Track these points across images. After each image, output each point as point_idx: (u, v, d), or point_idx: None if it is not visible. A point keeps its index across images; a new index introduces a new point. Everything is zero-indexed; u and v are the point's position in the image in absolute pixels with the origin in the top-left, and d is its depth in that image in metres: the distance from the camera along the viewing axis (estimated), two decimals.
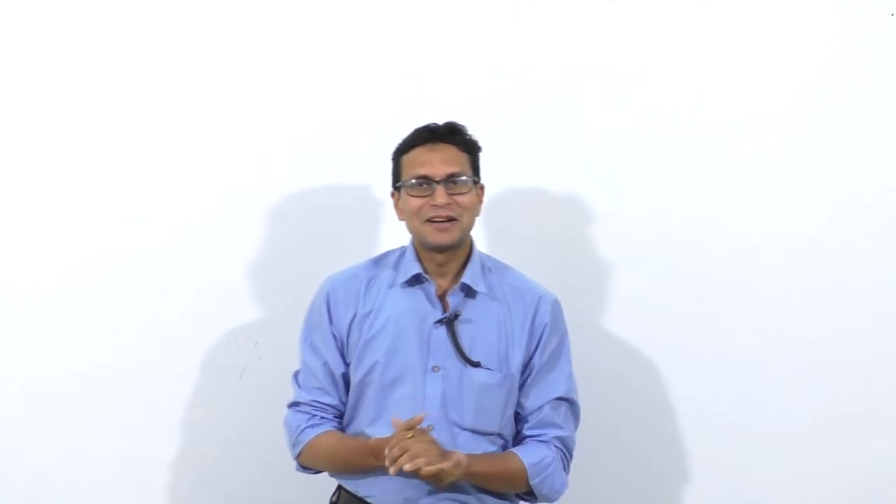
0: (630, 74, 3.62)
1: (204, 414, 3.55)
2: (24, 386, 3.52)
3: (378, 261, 3.12)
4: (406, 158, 3.03)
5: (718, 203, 3.64)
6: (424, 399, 2.99)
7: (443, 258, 3.03)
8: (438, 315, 3.02)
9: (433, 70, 3.60)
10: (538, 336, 3.06)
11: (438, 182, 2.98)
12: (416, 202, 2.99)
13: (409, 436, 2.84)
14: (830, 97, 3.63)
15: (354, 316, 3.05)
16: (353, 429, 3.05)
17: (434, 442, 2.88)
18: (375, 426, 3.00)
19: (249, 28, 3.58)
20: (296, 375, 3.12)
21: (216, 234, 3.57)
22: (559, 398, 3.07)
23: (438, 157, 3.00)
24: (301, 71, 3.58)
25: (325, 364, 3.06)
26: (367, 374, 3.02)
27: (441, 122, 3.06)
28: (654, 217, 3.63)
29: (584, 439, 3.64)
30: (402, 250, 3.11)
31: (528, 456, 3.01)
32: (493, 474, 2.98)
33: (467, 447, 2.98)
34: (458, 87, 3.60)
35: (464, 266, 3.06)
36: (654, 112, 3.62)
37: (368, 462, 2.96)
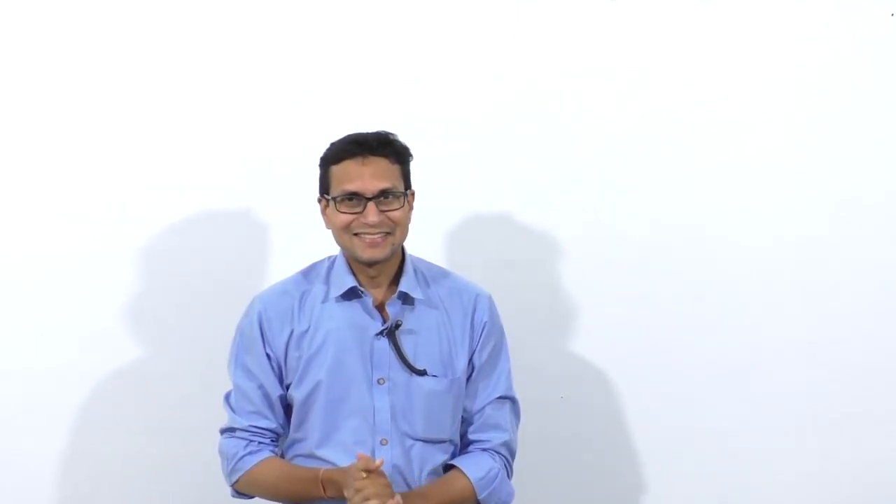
0: (630, 75, 3.62)
1: (204, 414, 3.55)
2: (24, 385, 3.52)
3: (307, 273, 3.04)
4: (335, 170, 2.93)
5: (718, 203, 3.64)
6: (374, 413, 2.93)
7: (375, 270, 2.96)
8: (378, 326, 2.95)
9: (433, 70, 3.59)
10: (479, 335, 3.02)
11: (370, 199, 2.89)
12: (345, 217, 2.91)
13: (364, 476, 2.78)
14: (830, 97, 3.63)
15: (291, 334, 2.96)
16: (298, 451, 2.98)
17: (388, 485, 2.81)
18: (326, 447, 2.94)
19: (250, 29, 3.57)
20: (227, 399, 3.02)
21: (216, 233, 3.57)
22: (501, 397, 3.03)
23: (369, 172, 2.90)
24: (300, 71, 3.58)
25: (261, 387, 2.97)
26: (311, 393, 2.94)
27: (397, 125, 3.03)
28: (654, 217, 3.62)
29: (580, 437, 3.65)
30: (332, 261, 3.03)
31: (474, 470, 2.97)
32: (444, 502, 2.94)
33: (420, 457, 2.95)
34: (457, 88, 3.59)
35: (398, 274, 2.99)
36: (654, 112, 3.62)
37: (317, 493, 2.88)
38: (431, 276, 3.04)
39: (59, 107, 3.53)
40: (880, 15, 3.64)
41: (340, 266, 2.99)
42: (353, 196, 2.90)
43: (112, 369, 3.54)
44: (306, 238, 3.57)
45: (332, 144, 2.98)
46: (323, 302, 2.97)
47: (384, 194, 2.90)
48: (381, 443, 2.92)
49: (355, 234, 2.91)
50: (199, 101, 3.56)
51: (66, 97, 3.53)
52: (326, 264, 3.03)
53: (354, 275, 2.97)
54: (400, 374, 2.94)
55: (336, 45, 3.59)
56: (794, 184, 3.63)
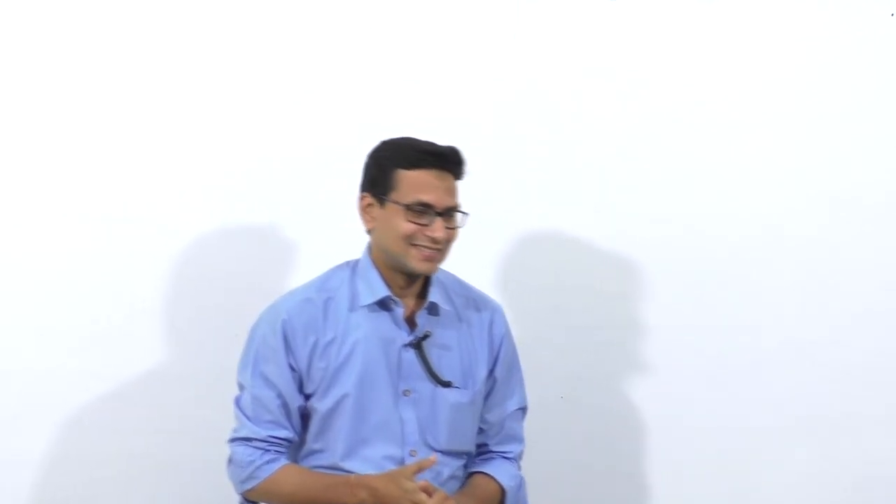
0: (630, 75, 3.62)
1: (204, 414, 3.55)
2: (24, 385, 3.52)
3: (327, 280, 2.97)
4: (408, 175, 2.86)
5: (718, 203, 3.64)
6: (402, 425, 2.90)
7: (407, 281, 2.92)
8: (405, 336, 2.91)
9: (433, 70, 3.59)
10: (497, 348, 3.01)
11: (439, 213, 2.86)
12: (410, 227, 2.85)
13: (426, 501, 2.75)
14: (830, 97, 3.63)
15: (315, 344, 2.90)
16: (317, 462, 2.93)
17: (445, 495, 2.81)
18: (352, 459, 2.90)
19: (251, 30, 3.57)
20: (240, 406, 2.95)
21: (217, 233, 3.57)
22: (518, 408, 3.06)
23: (444, 187, 2.87)
24: (300, 72, 3.58)
25: (280, 396, 2.90)
26: (337, 405, 2.89)
27: (442, 129, 3.01)
28: (654, 216, 3.63)
29: (580, 437, 3.65)
30: (352, 267, 2.97)
31: (506, 479, 2.99)
32: None
33: (446, 469, 2.93)
34: (457, 88, 3.59)
35: (423, 284, 2.96)
36: (654, 112, 3.62)
37: (345, 499, 2.84)
38: (449, 285, 3.02)
39: (61, 108, 3.53)
40: (880, 15, 3.64)
41: (369, 273, 2.92)
42: (425, 207, 2.85)
43: (112, 370, 3.54)
44: (306, 238, 3.58)
45: (399, 145, 2.90)
46: (350, 310, 2.91)
47: (450, 211, 2.88)
48: (410, 454, 2.89)
49: (413, 245, 2.86)
50: (203, 102, 3.56)
51: (68, 98, 3.53)
52: (347, 270, 2.97)
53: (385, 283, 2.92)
54: (425, 385, 2.92)
55: (336, 45, 3.59)
56: (794, 184, 3.63)
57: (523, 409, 3.07)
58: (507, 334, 3.04)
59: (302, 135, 3.57)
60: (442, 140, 3.52)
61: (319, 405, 2.90)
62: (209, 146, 3.57)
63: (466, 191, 3.57)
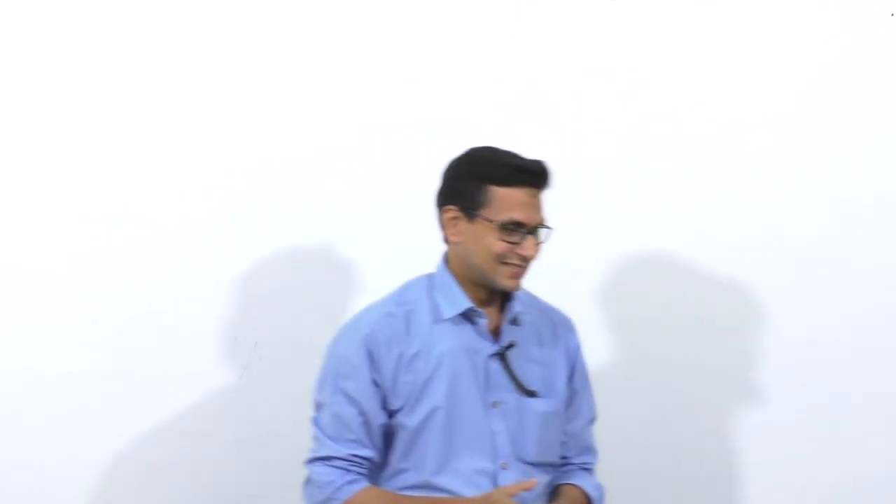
0: (630, 74, 3.63)
1: (204, 414, 3.55)
2: (24, 385, 3.52)
3: (403, 295, 2.90)
4: (501, 193, 2.78)
5: (718, 203, 3.64)
6: (493, 437, 2.84)
7: (491, 293, 2.86)
8: (489, 347, 2.85)
9: (433, 70, 3.60)
10: (573, 358, 2.97)
11: (530, 231, 2.80)
12: (503, 245, 2.78)
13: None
14: (830, 97, 3.63)
15: (400, 357, 2.82)
16: (406, 481, 2.84)
17: None
18: (443, 475, 2.82)
19: (251, 30, 3.57)
20: (319, 425, 2.86)
21: (217, 233, 3.57)
22: (592, 419, 3.04)
23: (535, 204, 2.81)
24: (300, 71, 3.58)
25: (362, 413, 2.82)
26: (426, 420, 2.81)
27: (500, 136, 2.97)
28: (654, 216, 3.63)
29: None
30: (429, 281, 2.90)
31: (592, 488, 2.97)
32: None
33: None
34: (457, 88, 3.60)
35: (503, 296, 2.89)
36: (654, 112, 3.62)
37: None
38: (523, 297, 2.94)
39: (61, 108, 3.53)
40: (880, 15, 3.64)
41: (449, 286, 2.86)
42: (517, 226, 2.79)
43: (112, 370, 3.54)
44: (306, 238, 3.58)
45: (491, 160, 2.84)
46: (434, 323, 2.84)
47: (539, 228, 2.83)
48: (502, 467, 2.84)
49: (503, 263, 2.80)
50: (202, 102, 3.56)
51: (69, 98, 3.53)
52: (425, 283, 2.90)
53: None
54: (512, 396, 2.85)
55: (335, 45, 3.59)
56: (795, 184, 3.63)
57: (594, 420, 3.04)
58: (580, 345, 3.00)
59: (302, 135, 3.57)
60: (441, 140, 3.53)
61: (408, 420, 2.82)
62: (209, 146, 3.57)
63: None
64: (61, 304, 3.53)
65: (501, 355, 2.86)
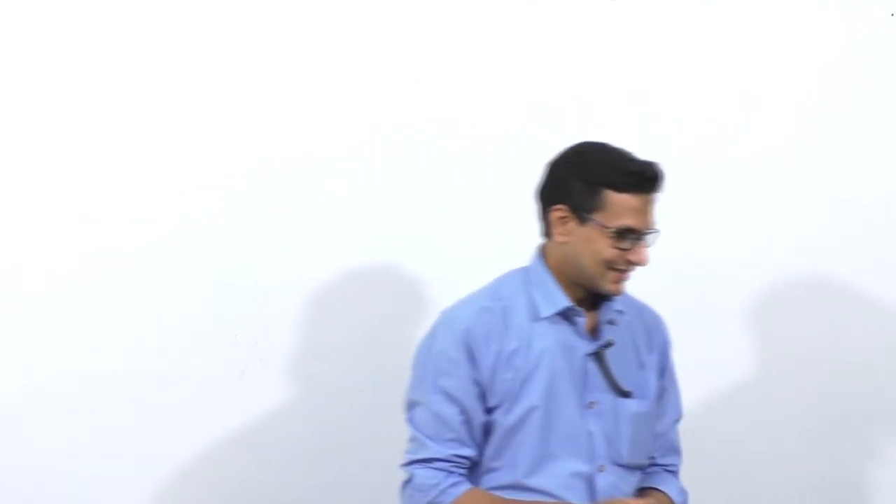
0: (630, 74, 3.62)
1: (204, 414, 3.55)
2: (24, 385, 3.52)
3: (499, 289, 2.82)
4: (616, 198, 2.71)
5: (718, 203, 3.64)
6: (590, 438, 2.77)
7: (588, 291, 2.79)
8: (586, 346, 2.78)
9: (433, 70, 3.59)
10: (663, 357, 2.90)
11: (640, 237, 2.74)
12: (613, 252, 2.72)
13: None
14: (830, 97, 3.63)
15: (499, 354, 2.74)
16: (496, 481, 2.77)
17: None
18: (538, 476, 2.75)
19: (251, 30, 3.57)
20: (416, 425, 2.78)
21: (217, 233, 3.57)
22: (678, 418, 2.96)
23: (649, 211, 2.74)
24: (300, 71, 3.58)
25: (463, 412, 2.74)
26: (523, 419, 2.74)
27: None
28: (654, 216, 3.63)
29: None
30: (525, 276, 2.82)
31: (675, 493, 2.92)
32: None
33: (624, 485, 2.81)
34: (457, 88, 3.59)
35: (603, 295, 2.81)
36: (654, 112, 3.62)
37: None
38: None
39: (61, 107, 3.53)
40: (880, 15, 3.64)
41: (547, 283, 2.79)
42: (630, 232, 2.72)
43: (112, 369, 3.54)
44: (307, 238, 3.58)
45: (606, 163, 2.75)
46: (533, 320, 2.77)
47: (649, 233, 2.77)
48: (599, 469, 2.77)
49: (611, 268, 2.74)
50: (201, 101, 3.56)
51: (69, 98, 3.53)
52: (520, 278, 2.83)
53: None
54: (606, 396, 2.78)
55: (335, 44, 3.59)
56: (795, 184, 3.63)
57: (680, 419, 2.97)
58: (670, 343, 2.94)
59: (302, 135, 3.57)
60: (441, 140, 3.54)
61: (504, 419, 2.75)
62: (209, 146, 3.56)
63: (465, 191, 3.59)
64: (61, 304, 3.53)
65: (598, 354, 2.79)
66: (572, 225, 2.75)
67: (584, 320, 2.79)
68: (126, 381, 3.54)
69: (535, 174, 3.61)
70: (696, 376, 3.64)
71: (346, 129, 3.59)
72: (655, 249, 3.59)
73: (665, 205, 3.61)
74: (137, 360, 3.55)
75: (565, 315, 2.78)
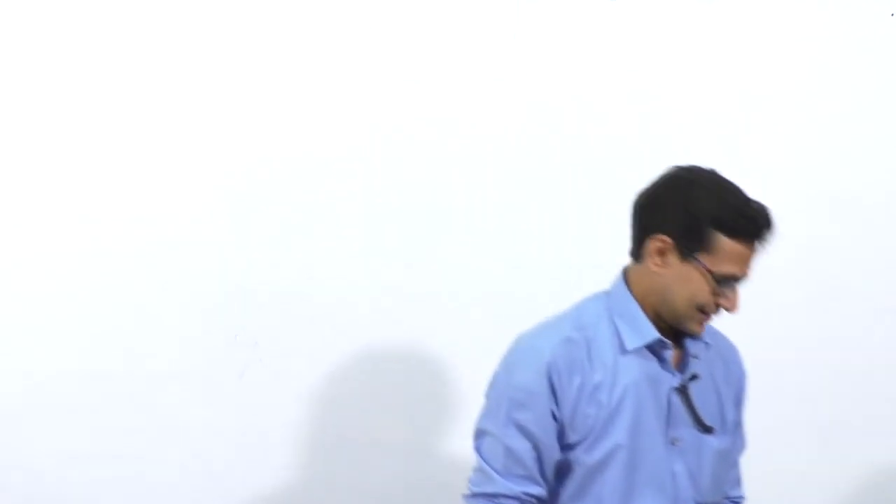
0: (630, 74, 3.63)
1: (204, 414, 3.55)
2: (24, 385, 3.52)
3: (580, 318, 2.66)
4: (727, 244, 2.56)
5: None
6: (674, 477, 2.64)
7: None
8: (671, 379, 2.64)
9: (433, 70, 3.60)
10: (740, 389, 2.79)
11: (737, 284, 2.61)
12: (709, 297, 2.58)
13: None
14: (830, 97, 3.63)
15: (581, 386, 2.59)
16: None
17: None
18: None
19: (250, 29, 3.57)
20: (484, 457, 2.63)
21: (217, 233, 3.57)
22: (743, 449, 2.86)
23: (753, 258, 2.62)
24: (300, 72, 3.58)
25: (536, 447, 2.60)
26: (607, 457, 2.60)
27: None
28: None
29: None
30: (607, 303, 2.67)
31: None
32: None
33: None
34: (457, 88, 3.60)
35: None
36: (654, 112, 3.62)
37: None
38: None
39: (61, 107, 3.53)
40: (880, 15, 3.64)
41: (632, 311, 2.64)
42: (732, 279, 2.59)
43: (112, 369, 3.54)
44: (307, 238, 3.59)
45: (725, 204, 2.61)
46: (618, 353, 2.62)
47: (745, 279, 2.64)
48: None
49: (701, 311, 2.61)
50: (200, 101, 3.56)
51: (69, 98, 3.53)
52: (603, 304, 2.68)
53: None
54: (690, 432, 2.65)
55: (335, 44, 3.59)
56: (795, 184, 3.63)
57: (744, 450, 2.87)
58: (746, 375, 2.82)
59: (302, 135, 3.57)
60: (441, 140, 3.54)
61: (587, 456, 2.62)
62: (210, 146, 3.57)
63: (465, 191, 3.59)
64: (61, 304, 3.53)
65: (682, 388, 2.65)
66: (672, 258, 2.60)
67: (671, 352, 2.65)
68: (126, 381, 3.54)
69: (535, 174, 3.63)
70: None
71: (345, 129, 3.59)
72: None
73: None
74: (137, 360, 3.55)
75: (651, 347, 2.64)
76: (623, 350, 2.62)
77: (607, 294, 2.69)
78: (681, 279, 2.60)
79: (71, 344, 3.53)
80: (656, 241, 2.60)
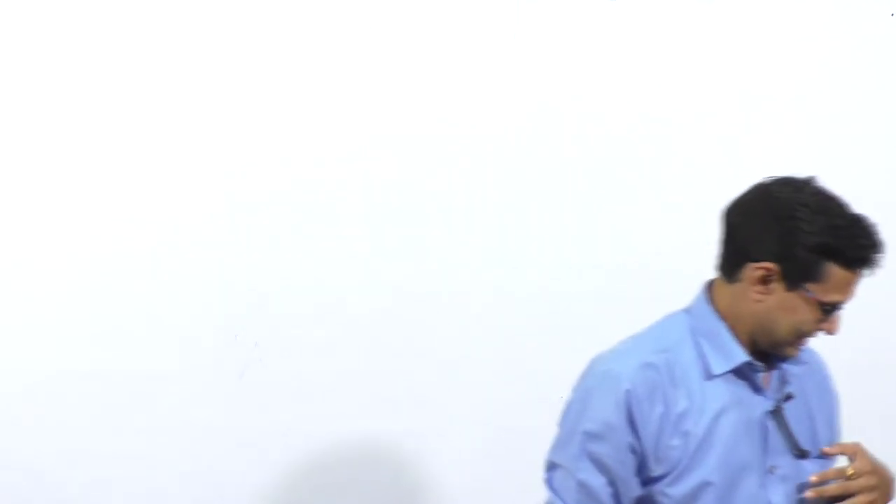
0: (630, 74, 3.63)
1: (204, 414, 3.55)
2: (24, 385, 3.52)
3: (661, 339, 2.49)
4: (839, 274, 2.40)
5: (718, 203, 3.63)
6: None
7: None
8: (763, 402, 2.46)
9: (432, 70, 3.60)
10: (833, 408, 2.62)
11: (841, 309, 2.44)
12: (813, 325, 2.42)
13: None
14: (830, 97, 3.63)
15: (664, 416, 2.40)
16: None
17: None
18: None
19: (251, 31, 3.58)
20: (556, 491, 2.46)
21: (217, 232, 3.57)
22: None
23: (857, 283, 2.45)
24: (300, 72, 3.58)
25: (612, 483, 2.41)
26: (697, 492, 2.42)
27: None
28: (654, 216, 3.63)
29: None
30: (690, 323, 2.50)
31: None
32: None
33: None
34: (457, 88, 3.60)
35: None
36: (654, 112, 3.63)
37: None
38: None
39: (61, 107, 3.53)
40: (880, 15, 3.64)
41: (719, 332, 2.46)
42: (839, 306, 2.44)
43: (112, 369, 3.54)
44: (307, 238, 3.59)
45: (842, 234, 2.43)
46: (706, 378, 2.44)
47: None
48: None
49: (802, 337, 2.46)
50: (199, 101, 3.56)
51: (69, 98, 3.54)
52: (685, 324, 2.51)
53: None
54: (786, 458, 2.48)
55: (334, 44, 3.59)
56: None
57: None
58: (836, 393, 2.65)
59: (302, 135, 3.57)
60: (441, 140, 3.54)
61: (672, 490, 2.43)
62: (210, 146, 3.57)
63: (465, 191, 3.59)
64: (61, 304, 3.53)
65: (776, 411, 2.48)
66: (777, 286, 2.42)
67: (761, 375, 2.48)
68: (126, 381, 3.55)
69: (535, 174, 3.63)
70: None
71: (345, 129, 3.59)
72: (655, 249, 3.63)
73: (665, 204, 3.64)
74: (137, 360, 3.55)
75: (740, 370, 2.47)
76: (709, 374, 2.45)
77: (688, 312, 2.53)
78: (785, 308, 2.43)
79: (71, 344, 3.53)
80: (761, 270, 2.43)
